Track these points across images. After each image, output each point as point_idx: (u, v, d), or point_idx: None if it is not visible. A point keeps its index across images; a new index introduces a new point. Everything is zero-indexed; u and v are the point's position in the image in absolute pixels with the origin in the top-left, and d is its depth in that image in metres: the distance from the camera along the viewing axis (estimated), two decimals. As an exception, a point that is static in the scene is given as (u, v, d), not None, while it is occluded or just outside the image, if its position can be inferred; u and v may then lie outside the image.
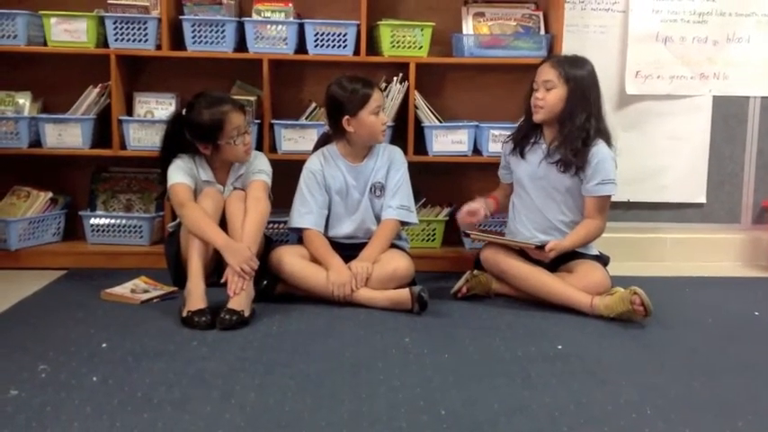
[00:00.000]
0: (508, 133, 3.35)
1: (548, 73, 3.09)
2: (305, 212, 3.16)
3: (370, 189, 3.20)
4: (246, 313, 2.76)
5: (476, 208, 3.23)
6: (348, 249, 3.12)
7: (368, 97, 3.09)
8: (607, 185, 3.09)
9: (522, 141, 3.22)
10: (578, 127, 3.05)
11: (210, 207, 3.00)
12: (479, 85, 3.82)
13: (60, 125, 3.54)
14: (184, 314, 2.76)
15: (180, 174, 3.07)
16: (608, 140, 3.12)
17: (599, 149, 3.08)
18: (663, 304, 3.00)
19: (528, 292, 3.07)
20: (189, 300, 2.80)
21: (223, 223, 3.01)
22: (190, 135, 3.09)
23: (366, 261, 3.04)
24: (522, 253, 3.11)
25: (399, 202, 3.19)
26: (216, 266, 2.99)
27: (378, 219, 3.21)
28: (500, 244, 3.14)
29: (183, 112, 3.13)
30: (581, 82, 3.07)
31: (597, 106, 3.11)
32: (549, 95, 3.08)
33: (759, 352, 2.63)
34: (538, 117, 3.12)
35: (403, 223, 3.23)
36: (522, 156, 3.21)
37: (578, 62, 3.12)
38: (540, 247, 3.02)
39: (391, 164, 3.22)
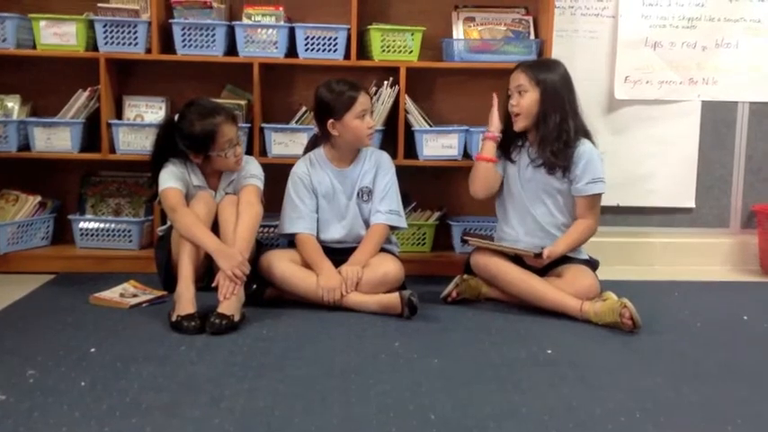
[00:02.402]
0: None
1: (519, 78, 3.12)
2: (296, 217, 3.15)
3: (358, 194, 3.20)
4: (236, 318, 2.76)
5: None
6: (338, 254, 3.12)
7: (353, 100, 3.08)
8: (597, 184, 3.10)
9: (508, 146, 3.23)
10: (552, 128, 3.07)
11: (203, 212, 3.00)
12: (469, 89, 3.83)
13: (49, 129, 3.53)
14: (174, 318, 2.75)
15: (171, 178, 3.06)
16: (589, 139, 3.14)
17: (585, 149, 3.09)
18: (652, 308, 3.01)
19: (518, 296, 3.07)
20: (178, 304, 2.79)
21: (215, 228, 3.00)
22: (181, 145, 3.08)
23: (356, 265, 3.04)
24: (514, 258, 3.12)
25: (388, 206, 3.19)
26: (206, 271, 2.98)
27: (366, 224, 3.21)
28: (491, 249, 3.14)
29: (175, 118, 3.12)
30: (552, 83, 3.09)
31: (573, 107, 3.12)
32: (523, 100, 3.10)
33: (748, 356, 2.63)
34: (519, 125, 3.14)
35: (392, 228, 3.23)
36: (510, 160, 3.22)
37: (548, 65, 3.16)
38: (538, 255, 3.03)
39: (378, 168, 3.22)
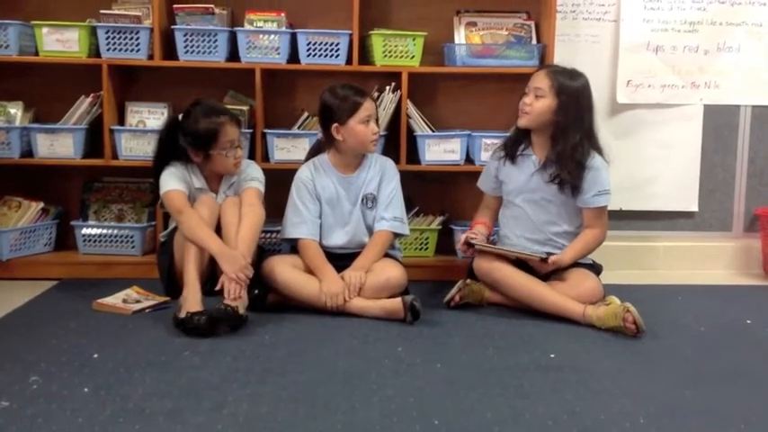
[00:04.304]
0: (500, 143, 3.36)
1: (540, 81, 3.09)
2: (298, 222, 3.15)
3: (362, 200, 3.20)
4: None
5: (474, 235, 3.22)
6: (340, 259, 3.12)
7: (358, 105, 3.08)
8: (602, 196, 3.10)
9: (513, 147, 3.22)
10: (572, 146, 3.05)
11: (206, 214, 3.01)
12: (471, 94, 3.83)
13: (52, 135, 3.53)
14: (183, 315, 2.75)
15: (174, 180, 3.08)
16: (601, 155, 3.13)
17: (594, 160, 3.09)
18: (655, 312, 3.01)
19: (520, 300, 3.06)
20: (185, 305, 2.80)
21: (218, 230, 3.01)
22: (183, 141, 3.09)
23: (359, 270, 3.03)
24: (516, 262, 3.11)
25: (393, 213, 3.19)
26: (209, 275, 2.99)
27: (370, 230, 3.21)
28: (496, 253, 3.13)
29: (180, 117, 3.14)
30: (573, 98, 3.06)
31: (590, 125, 3.11)
32: (537, 103, 3.08)
33: (751, 360, 2.63)
34: (521, 122, 3.14)
35: (395, 235, 3.23)
36: (513, 162, 3.21)
37: (573, 76, 3.11)
38: (544, 260, 3.02)
39: (383, 175, 3.22)
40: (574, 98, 3.06)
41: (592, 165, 3.08)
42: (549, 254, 3.07)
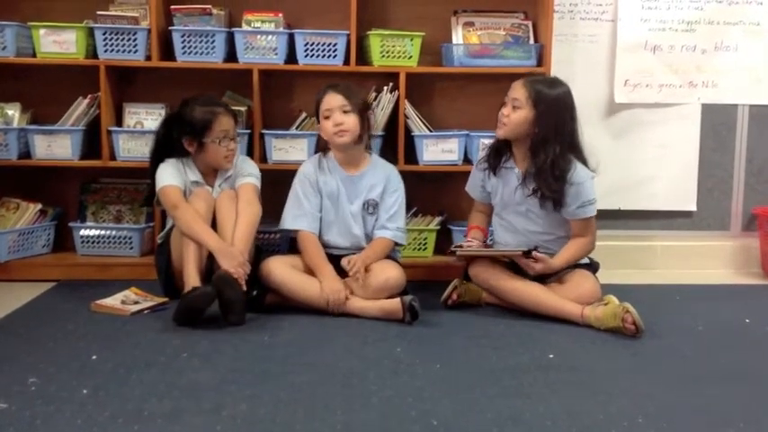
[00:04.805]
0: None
1: (517, 91, 3.04)
2: (299, 215, 3.16)
3: (364, 206, 3.20)
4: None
5: (470, 241, 3.21)
6: (337, 260, 3.11)
7: (318, 103, 3.15)
8: (587, 207, 3.07)
9: (495, 159, 3.19)
10: (552, 160, 2.99)
11: (202, 208, 3.02)
12: (469, 94, 3.83)
13: (50, 136, 3.53)
14: (187, 290, 2.79)
15: (169, 175, 3.09)
16: (586, 165, 3.09)
17: (576, 173, 3.03)
18: (653, 312, 3.01)
19: (518, 305, 3.05)
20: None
21: (214, 224, 3.03)
22: (177, 132, 3.11)
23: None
24: (511, 265, 3.11)
25: (396, 224, 3.21)
26: (207, 274, 2.98)
27: (368, 236, 3.22)
28: (487, 257, 3.13)
29: (177, 110, 3.18)
30: (551, 107, 3.00)
31: (572, 135, 3.05)
32: (514, 114, 3.03)
33: (750, 359, 2.63)
34: (499, 133, 3.11)
35: (395, 244, 3.24)
36: (496, 174, 3.19)
37: (552, 85, 3.06)
38: (528, 253, 3.00)
39: (387, 184, 3.23)
40: (552, 108, 3.00)
41: (574, 179, 3.02)
42: (534, 248, 3.02)
